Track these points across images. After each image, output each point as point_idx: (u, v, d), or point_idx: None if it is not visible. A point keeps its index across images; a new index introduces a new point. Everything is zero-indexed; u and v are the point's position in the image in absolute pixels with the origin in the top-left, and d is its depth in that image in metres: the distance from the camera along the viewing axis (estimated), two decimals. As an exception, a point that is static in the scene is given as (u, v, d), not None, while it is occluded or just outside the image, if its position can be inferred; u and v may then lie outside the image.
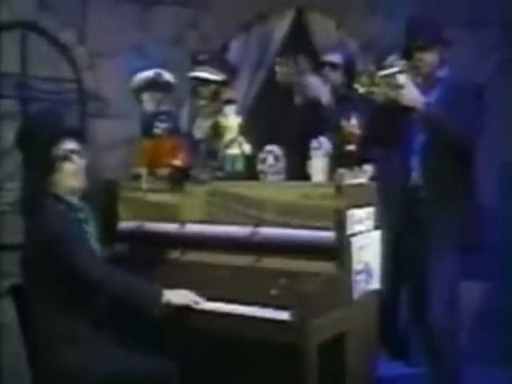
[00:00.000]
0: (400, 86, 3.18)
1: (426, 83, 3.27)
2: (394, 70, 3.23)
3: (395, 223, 3.34)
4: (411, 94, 3.17)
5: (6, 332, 3.72)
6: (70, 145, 2.70)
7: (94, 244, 2.73)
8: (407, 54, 3.26)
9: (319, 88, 3.62)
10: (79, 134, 2.83)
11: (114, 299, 2.63)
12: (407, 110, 3.20)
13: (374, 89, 3.21)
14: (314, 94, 3.60)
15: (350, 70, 3.87)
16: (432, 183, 3.22)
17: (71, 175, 2.70)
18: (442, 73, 3.28)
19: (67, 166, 2.69)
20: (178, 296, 2.66)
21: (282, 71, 3.72)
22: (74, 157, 2.71)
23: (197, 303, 2.70)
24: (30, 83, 4.03)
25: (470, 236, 3.18)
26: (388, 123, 3.36)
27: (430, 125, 3.21)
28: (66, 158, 2.69)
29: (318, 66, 3.89)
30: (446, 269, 3.17)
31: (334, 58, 3.90)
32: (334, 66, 3.88)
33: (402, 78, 3.19)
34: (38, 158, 2.67)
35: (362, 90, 3.22)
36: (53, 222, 2.60)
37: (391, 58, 3.38)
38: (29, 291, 2.64)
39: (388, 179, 3.14)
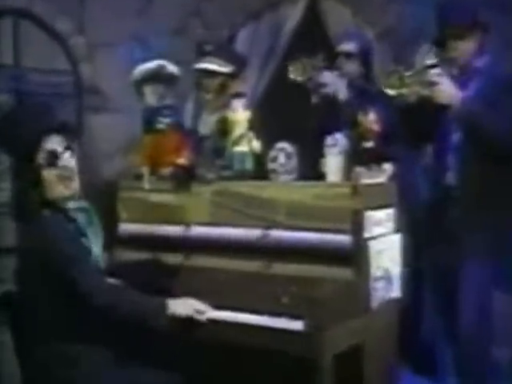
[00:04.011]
0: (433, 83, 3.09)
1: (462, 75, 3.17)
2: (426, 64, 3.15)
3: (420, 225, 3.32)
4: (446, 90, 3.08)
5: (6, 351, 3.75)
6: (54, 144, 2.56)
7: (97, 251, 2.68)
8: (440, 44, 3.16)
9: (336, 84, 3.59)
10: (69, 129, 2.67)
11: (115, 318, 2.58)
12: (443, 107, 3.12)
13: (405, 90, 3.12)
14: (331, 92, 3.58)
15: (366, 60, 3.84)
16: (468, 184, 3.14)
17: (57, 182, 2.57)
18: (480, 63, 3.18)
19: (49, 173, 2.55)
20: (182, 306, 2.65)
21: (294, 71, 3.71)
22: (63, 158, 2.57)
23: (202, 313, 2.70)
24: (23, 76, 4.04)
25: (508, 242, 3.12)
26: (421, 121, 3.28)
27: (468, 123, 3.12)
28: (48, 163, 2.55)
29: (333, 58, 3.87)
30: (478, 277, 3.11)
31: (349, 47, 3.87)
32: (349, 55, 3.85)
33: (435, 74, 3.10)
34: (20, 163, 2.58)
35: (392, 92, 3.14)
36: (48, 236, 2.51)
37: (421, 50, 3.30)
38: (22, 303, 2.60)
39: (416, 178, 3.11)
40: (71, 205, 2.62)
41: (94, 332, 2.57)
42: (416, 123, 3.33)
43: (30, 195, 2.55)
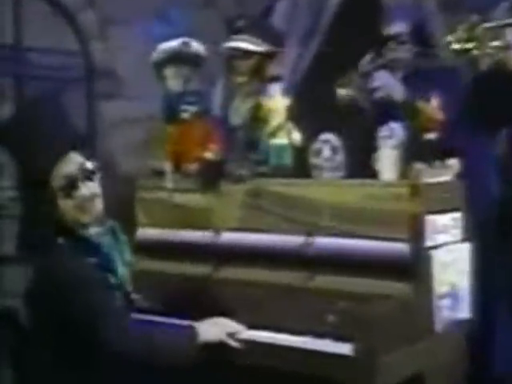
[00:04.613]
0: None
1: None
2: (505, 22, 3.10)
3: (492, 232, 3.29)
4: None
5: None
6: (71, 166, 2.50)
7: (123, 270, 2.67)
8: None
9: (389, 85, 3.59)
10: (85, 144, 2.70)
11: (142, 365, 2.55)
12: None
13: (474, 45, 3.07)
14: (384, 95, 3.57)
15: (422, 36, 3.86)
16: None
17: (76, 210, 2.51)
18: None
19: (66, 204, 2.50)
20: (213, 330, 2.66)
21: (341, 87, 3.70)
22: (82, 186, 2.51)
23: (235, 335, 2.71)
24: (25, 57, 4.14)
25: None
26: (494, 97, 3.24)
27: None
28: (65, 193, 2.49)
29: (382, 44, 3.85)
30: None
31: (399, 28, 3.86)
32: (400, 39, 3.83)
33: None
34: (29, 186, 2.52)
35: (456, 45, 3.10)
36: (63, 272, 2.45)
37: (501, 7, 3.24)
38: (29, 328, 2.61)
39: (487, 175, 3.07)
40: (93, 230, 2.59)
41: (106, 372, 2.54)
42: (488, 100, 3.30)
43: (41, 222, 2.52)
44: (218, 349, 2.66)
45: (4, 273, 3.30)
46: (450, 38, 3.17)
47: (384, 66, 3.67)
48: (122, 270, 2.66)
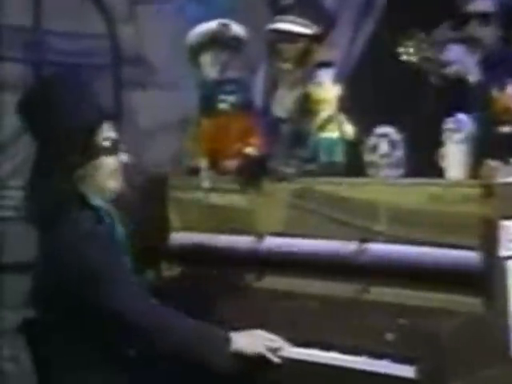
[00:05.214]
0: None
1: None
2: None
3: None
4: None
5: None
6: (109, 132, 2.74)
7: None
8: None
9: (464, 62, 3.54)
10: (115, 118, 2.88)
11: (163, 351, 2.65)
12: None
13: None
14: (457, 71, 3.52)
15: (508, 19, 3.77)
16: None
17: (112, 173, 2.74)
18: None
19: (108, 161, 2.72)
20: (250, 342, 2.67)
21: (405, 51, 3.65)
22: (117, 149, 2.76)
23: (277, 350, 2.69)
24: (44, 41, 4.11)
25: None
26: None
27: None
28: (107, 150, 2.71)
29: (459, 22, 3.80)
30: None
31: (485, 6, 3.80)
32: (485, 18, 3.78)
33: None
34: (68, 147, 2.66)
35: None
36: (86, 241, 2.61)
37: None
38: (45, 331, 2.69)
39: None
40: (102, 204, 2.75)
41: (132, 366, 2.68)
42: None
43: (62, 187, 2.65)
44: (254, 364, 2.65)
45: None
46: None
47: (462, 41, 3.61)
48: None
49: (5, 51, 3.99)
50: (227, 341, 2.62)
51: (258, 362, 2.65)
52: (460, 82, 3.54)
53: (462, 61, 3.56)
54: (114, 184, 2.74)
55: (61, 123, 2.66)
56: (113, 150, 2.73)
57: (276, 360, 2.67)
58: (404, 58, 3.32)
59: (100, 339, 2.61)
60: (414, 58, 3.40)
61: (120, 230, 2.80)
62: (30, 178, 2.73)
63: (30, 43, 4.08)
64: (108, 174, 2.73)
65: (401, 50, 3.37)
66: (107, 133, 2.72)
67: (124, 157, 2.78)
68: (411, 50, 3.35)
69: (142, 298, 2.67)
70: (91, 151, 2.68)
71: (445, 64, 3.50)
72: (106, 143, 2.71)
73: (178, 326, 2.64)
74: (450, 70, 3.52)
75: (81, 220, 2.65)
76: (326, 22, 3.55)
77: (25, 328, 2.78)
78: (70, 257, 2.58)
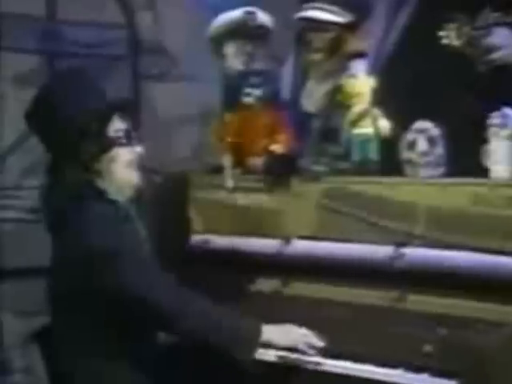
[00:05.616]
0: None
1: None
2: None
3: None
4: None
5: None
6: (120, 123, 2.82)
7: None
8: None
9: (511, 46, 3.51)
10: (130, 110, 2.98)
11: (190, 338, 2.75)
12: None
13: None
14: (504, 56, 3.49)
15: None
16: None
17: (127, 165, 2.81)
18: None
19: (122, 152, 2.80)
20: (284, 333, 2.74)
21: (448, 35, 3.62)
22: (131, 140, 2.84)
23: (312, 346, 2.73)
24: (59, 31, 4.12)
25: None
26: None
27: None
28: (120, 140, 2.79)
29: (505, 4, 3.76)
30: None
31: None
32: None
33: None
34: (79, 139, 2.73)
35: None
36: (102, 233, 2.67)
37: None
38: (60, 336, 2.76)
39: None
40: (122, 199, 2.84)
41: (155, 360, 2.77)
42: None
43: (77, 181, 2.73)
44: (281, 370, 2.71)
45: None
46: None
47: (508, 24, 3.58)
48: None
49: (20, 42, 4.00)
50: (258, 330, 2.69)
51: (286, 368, 2.69)
52: (507, 68, 3.52)
53: (508, 45, 3.54)
54: (131, 176, 2.82)
55: (68, 116, 2.72)
56: (126, 141, 2.80)
57: (311, 352, 2.71)
58: (445, 41, 3.30)
59: (125, 336, 2.68)
60: (456, 42, 3.35)
61: (140, 227, 2.87)
62: (46, 175, 2.79)
63: (44, 33, 4.09)
64: (124, 166, 2.80)
65: (442, 33, 3.32)
66: (118, 124, 2.80)
67: (139, 148, 2.84)
68: (453, 34, 3.33)
69: (170, 283, 2.75)
70: (103, 142, 2.76)
71: (490, 49, 3.47)
72: (119, 134, 2.79)
73: (210, 311, 2.71)
74: (496, 56, 3.49)
75: (100, 211, 2.73)
76: (360, 9, 3.52)
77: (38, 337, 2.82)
78: (91, 252, 2.62)
